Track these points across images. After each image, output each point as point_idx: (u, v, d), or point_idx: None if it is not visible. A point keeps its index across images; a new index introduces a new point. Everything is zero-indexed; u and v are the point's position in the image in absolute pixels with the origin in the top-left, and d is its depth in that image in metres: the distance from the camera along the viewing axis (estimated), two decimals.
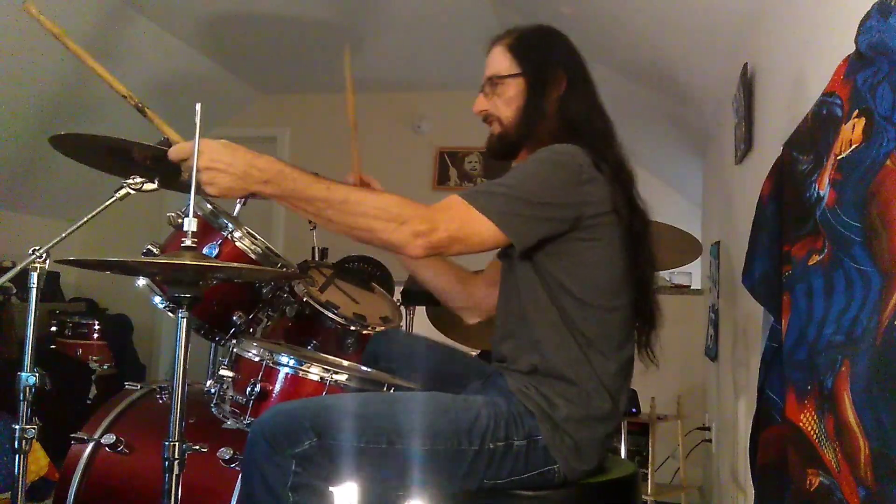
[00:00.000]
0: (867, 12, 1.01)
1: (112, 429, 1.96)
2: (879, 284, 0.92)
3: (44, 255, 1.55)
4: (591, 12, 3.24)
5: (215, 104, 5.25)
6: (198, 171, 1.29)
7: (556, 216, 1.45)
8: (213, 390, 1.76)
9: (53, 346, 4.18)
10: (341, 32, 4.41)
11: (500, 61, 1.65)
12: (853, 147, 1.02)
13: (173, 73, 4.56)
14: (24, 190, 4.54)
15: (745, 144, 2.30)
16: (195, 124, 1.28)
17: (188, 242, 1.28)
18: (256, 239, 2.03)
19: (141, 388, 2.13)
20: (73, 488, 1.90)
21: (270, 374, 1.70)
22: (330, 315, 2.19)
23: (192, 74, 4.73)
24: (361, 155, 1.94)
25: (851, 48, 1.07)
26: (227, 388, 1.74)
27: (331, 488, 1.36)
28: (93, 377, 4.02)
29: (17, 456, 1.54)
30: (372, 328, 2.28)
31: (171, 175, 1.42)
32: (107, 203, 1.61)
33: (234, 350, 1.79)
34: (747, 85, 2.28)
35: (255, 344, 1.77)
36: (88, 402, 3.87)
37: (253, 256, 2.00)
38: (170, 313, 2.08)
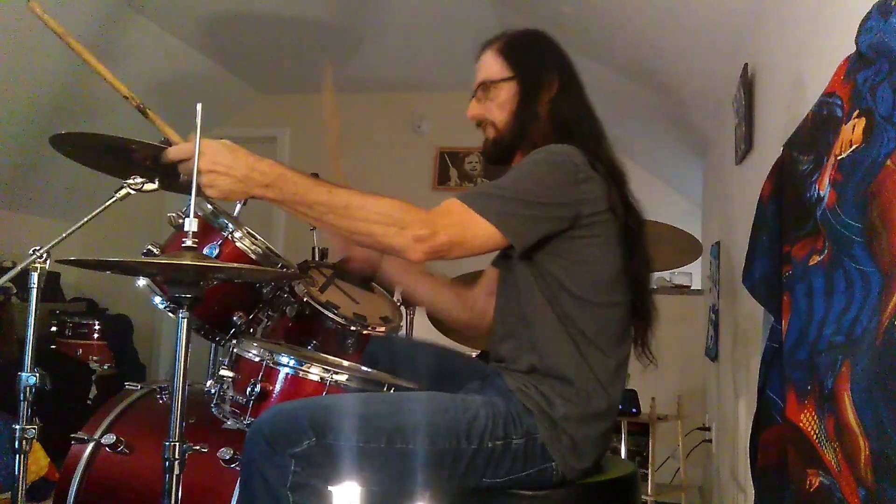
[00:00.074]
0: (867, 12, 1.01)
1: (112, 429, 1.96)
2: (880, 285, 0.92)
3: (44, 256, 1.55)
4: (592, 12, 3.24)
5: (215, 104, 5.26)
6: (198, 173, 1.29)
7: (554, 215, 1.46)
8: (213, 390, 1.76)
9: (54, 347, 4.18)
10: (341, 32, 4.41)
11: (492, 66, 1.65)
12: (853, 147, 1.02)
13: (173, 73, 4.57)
14: (24, 190, 4.54)
15: (746, 145, 2.30)
16: (195, 124, 1.28)
17: (188, 243, 1.28)
18: (257, 239, 2.03)
19: (141, 388, 2.13)
20: (73, 488, 1.90)
21: (270, 374, 1.70)
22: (330, 315, 2.19)
23: (192, 74, 4.73)
24: (341, 156, 1.92)
25: (851, 48, 1.07)
26: (228, 388, 1.74)
27: (330, 488, 1.36)
28: (93, 377, 4.02)
29: (18, 456, 1.54)
30: (372, 328, 2.28)
31: (172, 175, 1.42)
32: (107, 203, 1.61)
33: (235, 350, 1.79)
34: (747, 85, 2.28)
35: (255, 344, 1.76)
36: (88, 402, 3.87)
37: (253, 257, 2.00)
38: (170, 313, 2.08)
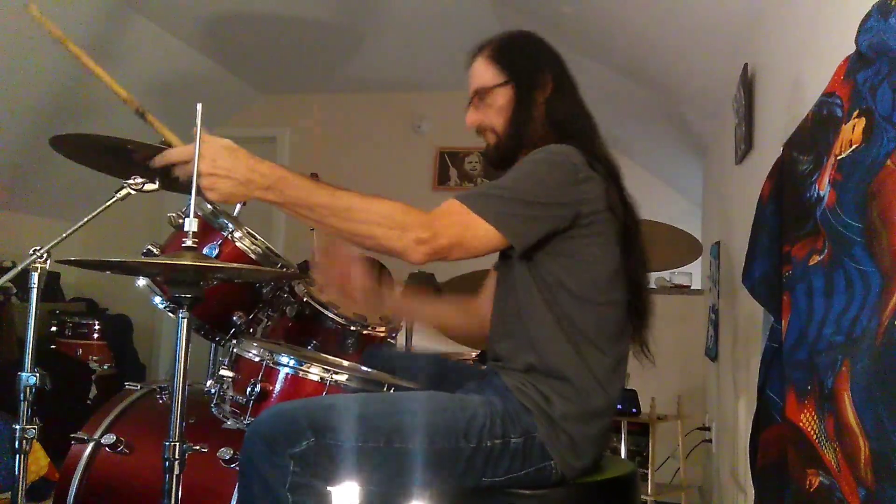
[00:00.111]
0: (867, 12, 1.01)
1: (112, 429, 1.96)
2: (879, 284, 0.92)
3: (44, 256, 1.55)
4: (591, 12, 3.24)
5: (215, 104, 5.26)
6: (199, 175, 1.28)
7: (554, 215, 1.46)
8: (213, 390, 1.76)
9: (54, 347, 4.18)
10: (341, 32, 4.41)
11: (485, 72, 1.65)
12: (853, 147, 1.02)
13: (173, 73, 4.57)
14: (24, 190, 4.54)
15: (746, 145, 2.30)
16: (195, 124, 1.28)
17: (188, 243, 1.28)
18: (256, 239, 2.03)
19: (141, 388, 2.13)
20: (72, 488, 1.90)
21: (270, 374, 1.70)
22: (330, 315, 2.19)
23: (192, 74, 4.73)
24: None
25: (851, 48, 1.07)
26: (228, 388, 1.74)
27: (329, 488, 1.36)
28: (93, 377, 4.01)
29: (18, 456, 1.55)
30: (372, 328, 2.28)
31: (171, 176, 1.42)
32: (107, 203, 1.61)
33: (235, 350, 1.79)
34: (747, 85, 2.28)
35: (255, 344, 1.77)
36: (88, 402, 3.86)
37: (253, 257, 2.00)
38: (170, 313, 2.08)
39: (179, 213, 1.95)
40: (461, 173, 5.24)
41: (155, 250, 1.97)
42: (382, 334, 2.40)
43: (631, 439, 3.52)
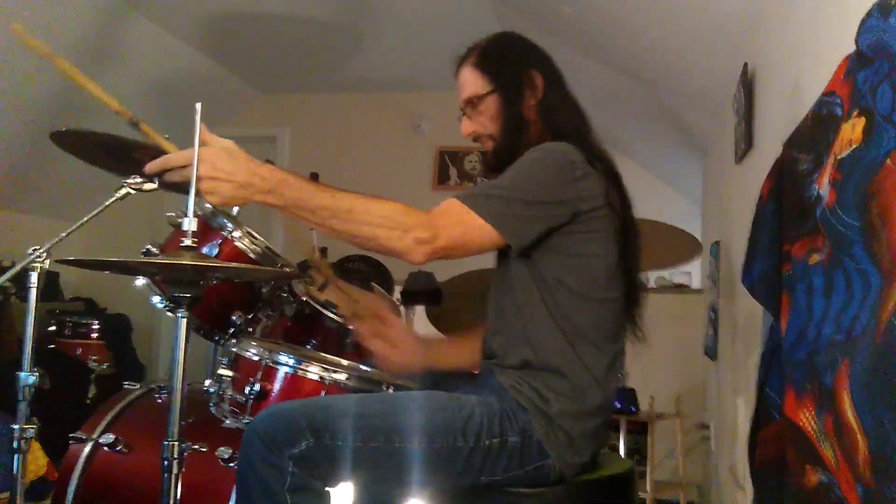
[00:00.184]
0: (867, 11, 1.01)
1: (111, 428, 1.95)
2: (879, 284, 0.92)
3: (43, 255, 1.55)
4: (591, 12, 3.23)
5: (215, 104, 5.25)
6: (199, 179, 1.28)
7: (553, 214, 1.46)
8: (212, 390, 1.76)
9: (52, 346, 4.16)
10: (341, 32, 4.41)
11: (473, 81, 1.65)
12: (853, 146, 1.02)
13: (173, 72, 4.56)
14: (24, 189, 4.53)
15: (745, 144, 2.30)
16: (195, 124, 1.27)
17: (188, 242, 1.28)
18: (256, 239, 2.03)
19: (140, 387, 2.13)
20: (71, 488, 1.90)
21: (270, 373, 1.70)
22: (329, 314, 2.19)
23: (191, 74, 4.72)
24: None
25: (851, 48, 1.07)
26: (227, 387, 1.74)
27: (328, 488, 1.36)
28: (92, 377, 4.01)
29: (16, 455, 1.54)
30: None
31: (168, 181, 1.41)
32: (107, 203, 1.61)
33: (234, 349, 1.79)
34: (747, 85, 2.28)
35: (254, 343, 1.76)
36: (87, 401, 3.86)
37: (252, 256, 2.00)
38: (169, 313, 2.07)
39: (179, 212, 1.95)
40: (461, 173, 5.24)
41: (154, 250, 1.97)
42: None
43: (630, 437, 3.53)
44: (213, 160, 1.30)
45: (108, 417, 1.99)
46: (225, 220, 1.99)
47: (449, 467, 1.40)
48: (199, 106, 1.27)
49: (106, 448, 1.91)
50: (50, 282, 4.56)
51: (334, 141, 5.44)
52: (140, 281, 1.99)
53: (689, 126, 3.88)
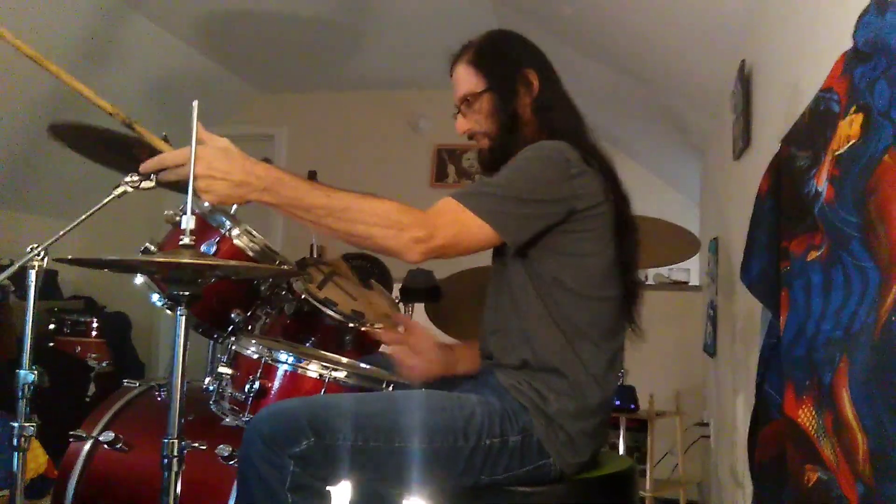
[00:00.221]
0: (864, 8, 1.01)
1: (110, 426, 1.95)
2: (877, 280, 0.92)
3: (42, 253, 1.54)
4: (591, 12, 3.23)
5: (213, 102, 5.24)
6: (195, 178, 1.28)
7: (548, 212, 1.46)
8: (211, 387, 1.76)
9: (52, 344, 4.17)
10: (340, 30, 4.41)
11: (468, 79, 1.65)
12: (851, 143, 1.02)
13: (171, 71, 4.56)
14: (21, 188, 4.53)
15: (743, 141, 2.30)
16: (192, 122, 1.27)
17: (186, 240, 1.27)
18: (254, 236, 2.03)
19: (139, 385, 2.13)
20: (71, 486, 1.90)
21: (269, 371, 1.70)
22: (328, 312, 2.19)
23: (189, 73, 4.72)
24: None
25: (849, 44, 1.07)
26: (226, 385, 1.74)
27: (329, 488, 1.36)
28: (91, 375, 4.01)
29: (16, 453, 1.54)
30: (370, 325, 2.28)
31: (163, 179, 1.41)
32: (105, 201, 1.60)
33: (233, 347, 1.79)
34: (745, 82, 2.28)
35: (253, 341, 1.77)
36: (87, 399, 3.86)
37: (251, 254, 1.99)
38: (168, 311, 2.07)
39: (177, 210, 1.95)
40: (459, 170, 5.24)
41: (153, 248, 1.96)
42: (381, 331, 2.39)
43: (629, 435, 3.53)
44: (208, 159, 1.30)
45: (108, 415, 1.99)
46: (223, 218, 1.99)
47: (450, 467, 1.40)
48: (195, 104, 1.27)
49: (106, 446, 1.91)
50: (49, 280, 4.56)
51: (333, 139, 5.44)
52: (139, 279, 1.99)
53: (687, 124, 3.88)
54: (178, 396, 1.29)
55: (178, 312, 1.31)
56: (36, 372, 1.54)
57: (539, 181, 1.47)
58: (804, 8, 1.61)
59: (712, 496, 3.36)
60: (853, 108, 1.03)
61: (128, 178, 1.55)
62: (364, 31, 4.42)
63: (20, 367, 1.53)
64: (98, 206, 1.61)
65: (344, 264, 2.15)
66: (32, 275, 1.54)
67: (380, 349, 2.21)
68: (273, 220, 5.18)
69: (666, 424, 3.62)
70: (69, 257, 1.29)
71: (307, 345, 2.17)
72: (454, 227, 1.42)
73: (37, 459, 2.67)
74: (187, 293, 1.30)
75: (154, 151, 1.39)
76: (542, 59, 1.67)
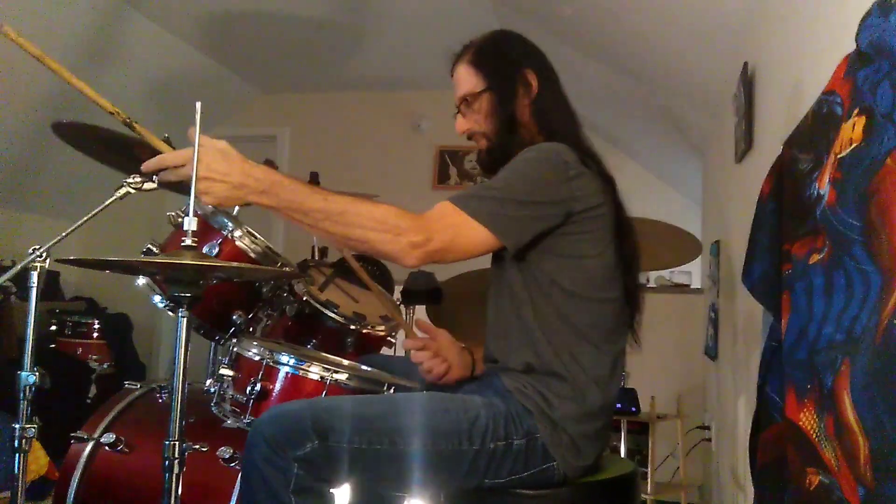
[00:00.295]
0: (867, 10, 1.01)
1: (112, 428, 1.96)
2: (879, 283, 0.92)
3: (44, 255, 1.54)
4: (591, 12, 3.24)
5: (215, 103, 5.25)
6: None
7: (546, 214, 1.46)
8: (213, 389, 1.76)
9: (53, 346, 4.17)
10: (341, 31, 4.41)
11: (468, 79, 1.65)
12: (853, 145, 1.02)
13: (172, 71, 4.56)
14: (23, 189, 4.53)
15: (746, 143, 2.30)
16: (195, 123, 1.27)
17: (188, 241, 1.27)
18: (256, 238, 2.03)
19: (141, 387, 2.13)
20: (72, 487, 1.90)
21: (271, 373, 1.70)
22: (330, 314, 2.19)
23: (191, 73, 4.72)
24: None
25: (851, 47, 1.07)
26: (228, 387, 1.74)
27: (332, 490, 1.36)
28: (93, 376, 4.01)
29: (17, 455, 1.54)
30: (372, 327, 2.28)
31: (162, 180, 1.41)
32: (107, 202, 1.60)
33: (234, 349, 1.79)
34: (747, 84, 2.28)
35: (255, 343, 1.76)
36: (88, 401, 3.86)
37: (253, 255, 2.00)
38: (170, 312, 2.08)
39: (179, 211, 1.95)
40: (461, 172, 5.24)
41: (154, 249, 1.97)
42: (382, 333, 2.40)
43: (631, 438, 3.52)
44: (207, 161, 1.30)
45: (109, 417, 1.99)
46: (225, 220, 1.99)
47: (454, 470, 1.40)
48: (199, 105, 1.27)
49: (107, 447, 1.92)
50: (50, 281, 4.57)
51: (334, 140, 5.44)
52: (141, 280, 1.99)
53: (689, 125, 3.88)
54: (180, 398, 1.29)
55: (180, 314, 1.31)
56: (37, 373, 1.54)
57: (537, 183, 1.46)
58: (806, 10, 1.61)
59: (713, 499, 3.35)
60: (856, 111, 1.03)
61: (130, 179, 1.55)
62: (365, 31, 4.42)
63: (21, 368, 1.54)
64: (100, 208, 1.61)
65: (355, 261, 2.14)
66: (34, 276, 1.55)
67: (381, 350, 2.21)
68: (275, 222, 5.17)
69: (667, 427, 3.62)
70: (71, 258, 1.29)
71: (308, 347, 2.18)
72: (451, 230, 1.41)
73: (38, 461, 2.67)
74: (189, 295, 1.30)
75: (155, 152, 1.39)
76: (542, 60, 1.67)
